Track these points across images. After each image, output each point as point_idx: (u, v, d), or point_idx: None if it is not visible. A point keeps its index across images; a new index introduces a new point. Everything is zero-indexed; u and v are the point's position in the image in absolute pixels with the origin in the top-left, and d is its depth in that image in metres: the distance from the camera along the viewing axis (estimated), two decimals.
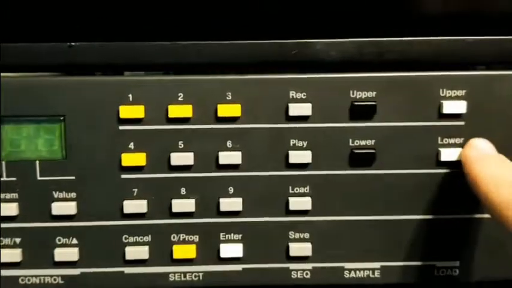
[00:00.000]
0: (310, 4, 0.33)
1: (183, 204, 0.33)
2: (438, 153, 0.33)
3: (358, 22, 0.33)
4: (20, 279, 0.33)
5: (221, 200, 0.33)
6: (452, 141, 0.33)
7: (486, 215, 0.33)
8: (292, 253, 0.33)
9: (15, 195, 0.32)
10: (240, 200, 0.33)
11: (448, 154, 0.32)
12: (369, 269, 0.34)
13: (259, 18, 0.33)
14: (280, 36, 0.32)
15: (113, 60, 0.32)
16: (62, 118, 0.32)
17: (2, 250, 0.33)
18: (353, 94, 0.32)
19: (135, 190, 0.33)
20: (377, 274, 0.34)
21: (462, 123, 0.32)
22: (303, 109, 0.32)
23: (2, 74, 0.32)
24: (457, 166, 0.32)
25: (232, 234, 0.33)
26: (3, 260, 0.33)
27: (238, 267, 0.34)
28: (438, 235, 0.33)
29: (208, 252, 0.33)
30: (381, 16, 0.33)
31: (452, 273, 0.34)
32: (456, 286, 0.34)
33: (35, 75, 0.32)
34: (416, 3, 0.34)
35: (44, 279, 0.33)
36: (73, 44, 0.31)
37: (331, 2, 0.33)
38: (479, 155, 0.31)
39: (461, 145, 0.32)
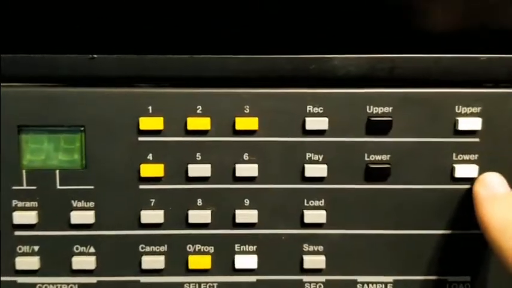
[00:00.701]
0: (327, 22, 0.33)
1: (199, 216, 0.33)
2: (453, 169, 0.33)
3: (374, 39, 0.33)
4: (37, 287, 0.34)
5: (237, 211, 0.33)
6: (467, 157, 0.33)
7: None
8: (306, 265, 0.34)
9: (34, 204, 0.33)
10: (255, 212, 0.33)
11: (463, 170, 0.33)
12: (381, 283, 0.34)
13: (278, 33, 0.33)
14: (298, 51, 0.32)
15: (133, 73, 0.32)
16: (82, 129, 0.32)
17: (20, 258, 0.33)
18: (369, 109, 0.33)
19: (153, 200, 0.33)
20: None
21: (477, 139, 0.33)
22: (320, 123, 0.33)
23: (21, 84, 0.32)
24: (471, 182, 0.33)
25: (247, 246, 0.34)
26: (22, 267, 0.33)
27: (252, 278, 0.34)
28: (451, 250, 0.34)
29: (223, 263, 0.34)
30: (397, 34, 0.33)
31: None
32: None
33: (56, 86, 0.33)
34: (431, 21, 0.34)
35: (61, 286, 0.34)
36: (94, 56, 0.32)
37: (348, 20, 0.33)
38: (489, 195, 0.31)
39: (476, 161, 0.33)
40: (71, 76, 0.32)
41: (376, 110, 0.33)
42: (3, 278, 0.33)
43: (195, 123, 0.32)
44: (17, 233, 0.33)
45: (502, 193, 0.31)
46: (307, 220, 0.33)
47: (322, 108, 0.33)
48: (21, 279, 0.33)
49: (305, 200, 0.33)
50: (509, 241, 0.29)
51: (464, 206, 0.33)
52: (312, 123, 0.33)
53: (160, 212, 0.33)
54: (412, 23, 0.34)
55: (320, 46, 0.33)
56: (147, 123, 0.32)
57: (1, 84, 0.32)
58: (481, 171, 0.33)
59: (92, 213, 0.33)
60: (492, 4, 0.32)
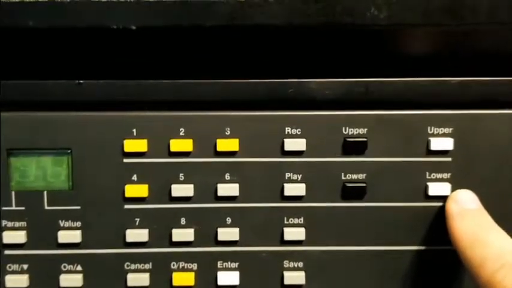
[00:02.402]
0: (306, 48, 0.35)
1: (182, 234, 0.35)
2: (426, 188, 0.34)
3: (350, 63, 0.35)
4: None
5: (219, 229, 0.35)
6: (439, 176, 0.34)
7: None
8: (286, 281, 0.35)
9: (23, 224, 0.34)
10: (237, 230, 0.35)
11: (436, 188, 0.34)
12: None
13: (258, 58, 0.35)
14: (277, 75, 0.34)
15: (118, 97, 0.33)
16: (69, 151, 0.34)
17: (10, 276, 0.34)
18: (345, 130, 0.34)
19: (137, 220, 0.34)
20: None
21: (449, 159, 0.34)
22: (298, 144, 0.34)
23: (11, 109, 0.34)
24: (444, 200, 0.34)
25: (229, 263, 0.35)
26: (11, 285, 0.34)
27: None
28: (426, 265, 0.35)
29: (206, 279, 0.35)
30: (372, 59, 0.35)
31: None
32: None
33: (43, 110, 0.34)
34: (404, 46, 0.36)
35: None
36: (81, 81, 0.33)
37: (326, 46, 0.35)
38: (459, 211, 0.33)
39: (449, 180, 0.34)
40: (59, 101, 0.33)
41: (351, 131, 0.34)
42: None
43: (178, 145, 0.34)
44: (6, 252, 0.34)
45: (472, 209, 0.33)
46: (287, 237, 0.35)
47: (300, 130, 0.34)
48: None
49: (285, 218, 0.35)
50: (477, 255, 0.30)
51: (438, 223, 0.34)
52: (290, 144, 0.34)
53: (145, 231, 0.34)
54: (386, 48, 0.35)
55: (298, 70, 0.34)
56: (132, 145, 0.34)
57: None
58: (453, 189, 0.34)
59: (78, 232, 0.34)
60: (462, 31, 0.33)
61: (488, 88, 0.34)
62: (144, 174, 0.34)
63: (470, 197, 0.33)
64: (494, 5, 0.31)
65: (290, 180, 0.34)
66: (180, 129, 0.34)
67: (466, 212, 0.33)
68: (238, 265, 0.35)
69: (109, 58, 0.34)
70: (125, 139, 0.34)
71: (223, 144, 0.34)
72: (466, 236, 0.31)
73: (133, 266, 0.35)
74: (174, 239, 0.34)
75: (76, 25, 0.31)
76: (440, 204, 0.34)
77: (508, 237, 0.31)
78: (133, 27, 0.31)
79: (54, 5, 0.31)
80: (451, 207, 0.33)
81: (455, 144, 0.34)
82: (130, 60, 0.34)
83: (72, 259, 0.35)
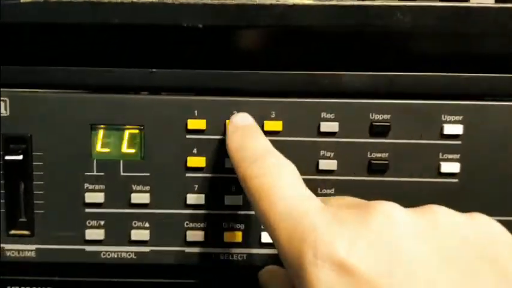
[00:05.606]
0: (341, 45, 0.41)
1: (233, 199, 0.41)
2: (439, 166, 0.41)
3: (376, 60, 0.41)
4: (101, 254, 0.41)
5: None
6: (451, 156, 0.41)
7: None
8: None
9: (102, 187, 0.41)
10: None
11: (447, 167, 0.40)
12: None
13: (301, 54, 0.41)
14: (316, 68, 0.40)
15: (183, 84, 0.40)
16: (142, 127, 0.40)
17: (89, 230, 0.41)
18: (372, 116, 0.40)
19: (196, 186, 0.41)
20: None
21: (459, 142, 0.40)
22: (332, 127, 0.40)
23: (95, 91, 0.41)
24: (454, 177, 0.40)
25: None
26: (90, 237, 0.41)
27: (274, 250, 0.42)
28: None
29: (252, 238, 0.42)
30: (397, 55, 0.41)
31: None
32: None
33: (122, 93, 0.41)
34: (423, 46, 0.42)
35: (120, 254, 0.41)
36: (153, 70, 0.40)
37: (358, 44, 0.41)
38: (232, 129, 0.38)
39: (458, 160, 0.40)
40: (135, 86, 0.40)
41: (377, 116, 0.40)
42: (73, 247, 0.41)
43: None
44: (87, 210, 0.41)
45: (243, 125, 0.38)
46: None
47: (334, 114, 0.40)
48: (88, 248, 0.41)
49: (318, 189, 0.41)
50: (239, 157, 0.36)
51: (448, 196, 0.41)
52: (325, 127, 0.40)
53: (202, 195, 0.41)
54: (408, 47, 0.42)
55: (334, 64, 0.41)
56: (194, 124, 0.40)
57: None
58: (462, 168, 0.40)
59: (147, 195, 0.41)
60: (470, 34, 0.39)
61: (491, 83, 0.40)
62: (203, 148, 0.41)
63: (244, 118, 0.39)
64: (498, 14, 0.37)
65: (324, 157, 0.41)
66: (234, 112, 0.40)
67: (237, 128, 0.38)
68: None
69: (177, 51, 0.41)
70: (188, 119, 0.40)
71: (269, 125, 0.40)
72: (234, 145, 0.37)
73: (191, 225, 0.41)
74: (226, 203, 0.41)
75: (153, 22, 0.38)
76: (450, 180, 0.41)
77: (266, 141, 0.37)
78: (200, 26, 0.38)
79: (135, 6, 0.38)
80: (228, 127, 0.38)
81: (464, 129, 0.40)
82: (195, 53, 0.41)
83: (141, 217, 0.41)
